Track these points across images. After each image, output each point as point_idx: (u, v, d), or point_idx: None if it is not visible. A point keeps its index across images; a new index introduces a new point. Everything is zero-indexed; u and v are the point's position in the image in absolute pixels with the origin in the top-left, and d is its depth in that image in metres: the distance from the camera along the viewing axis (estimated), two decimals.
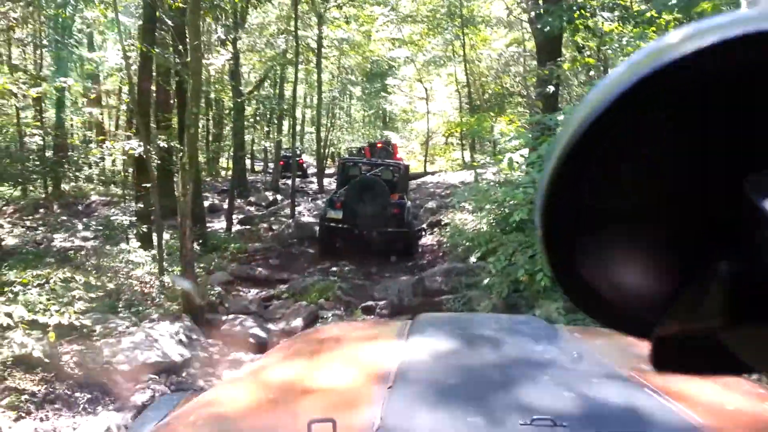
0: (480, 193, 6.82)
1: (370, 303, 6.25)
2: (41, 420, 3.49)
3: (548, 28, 6.74)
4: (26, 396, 3.62)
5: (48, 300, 3.86)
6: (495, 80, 23.16)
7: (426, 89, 24.63)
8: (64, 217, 11.62)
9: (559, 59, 7.74)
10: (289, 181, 22.14)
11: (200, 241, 9.07)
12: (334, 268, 9.23)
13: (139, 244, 7.95)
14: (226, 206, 16.07)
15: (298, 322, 6.08)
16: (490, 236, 6.34)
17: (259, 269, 8.64)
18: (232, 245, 9.95)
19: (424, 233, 11.50)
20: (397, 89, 27.71)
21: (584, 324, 2.73)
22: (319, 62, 17.83)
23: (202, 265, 7.99)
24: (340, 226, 9.35)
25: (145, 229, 7.86)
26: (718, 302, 0.24)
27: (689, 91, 0.22)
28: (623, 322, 0.29)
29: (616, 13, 6.82)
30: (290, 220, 12.52)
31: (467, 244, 7.08)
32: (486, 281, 5.33)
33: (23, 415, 3.47)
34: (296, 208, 14.68)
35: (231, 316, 6.10)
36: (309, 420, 0.90)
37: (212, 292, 6.73)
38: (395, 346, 1.38)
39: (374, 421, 0.96)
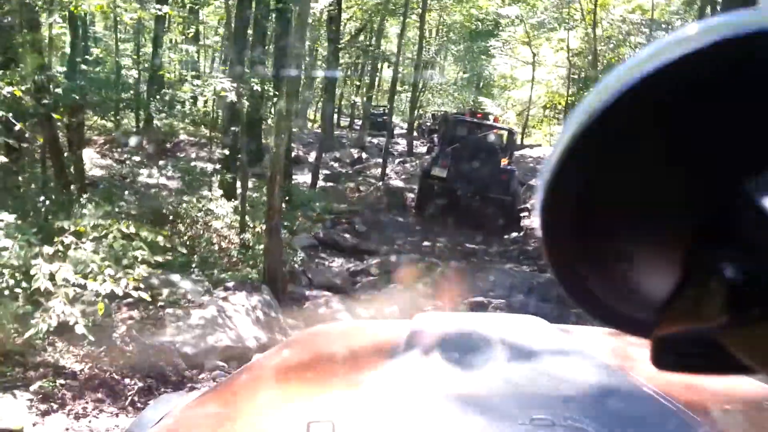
0: None
1: (479, 299, 5.12)
2: (76, 417, 2.68)
3: None
4: (64, 379, 2.82)
5: (103, 260, 3.04)
6: (613, 50, 20.66)
7: (534, 54, 22.43)
8: (135, 158, 11.21)
9: None
10: (375, 140, 21.31)
11: (286, 198, 8.26)
12: (427, 243, 8.18)
13: (221, 192, 7.20)
14: (311, 159, 15.37)
15: (392, 309, 5.06)
16: None
17: (345, 235, 7.70)
18: (317, 204, 9.09)
19: (528, 214, 10.14)
20: (500, 52, 25.59)
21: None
22: (423, 15, 16.34)
23: (285, 223, 7.13)
24: (442, 184, 8.79)
25: (229, 179, 7.08)
26: (719, 302, 0.23)
27: (699, 86, 0.22)
28: (623, 322, 0.29)
29: None
30: (379, 183, 11.51)
31: None
32: None
33: (54, 407, 2.67)
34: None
35: (315, 292, 5.18)
36: (308, 421, 0.89)
37: (295, 259, 5.84)
38: (395, 346, 1.32)
39: (373, 422, 0.95)
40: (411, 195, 10.97)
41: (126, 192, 7.89)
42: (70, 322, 2.73)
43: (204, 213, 6.47)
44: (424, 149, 18.17)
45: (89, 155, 12.76)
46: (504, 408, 1.00)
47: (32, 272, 2.72)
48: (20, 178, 5.85)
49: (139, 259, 3.13)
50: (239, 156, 6.58)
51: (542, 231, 0.26)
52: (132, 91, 13.60)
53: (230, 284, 4.37)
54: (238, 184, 7.75)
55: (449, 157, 8.89)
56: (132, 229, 3.19)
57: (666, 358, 0.28)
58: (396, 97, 30.54)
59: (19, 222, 3.23)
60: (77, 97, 7.49)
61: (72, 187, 8.05)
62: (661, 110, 0.22)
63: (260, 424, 1.07)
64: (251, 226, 6.41)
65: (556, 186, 0.24)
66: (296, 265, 5.77)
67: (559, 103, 24.28)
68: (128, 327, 3.40)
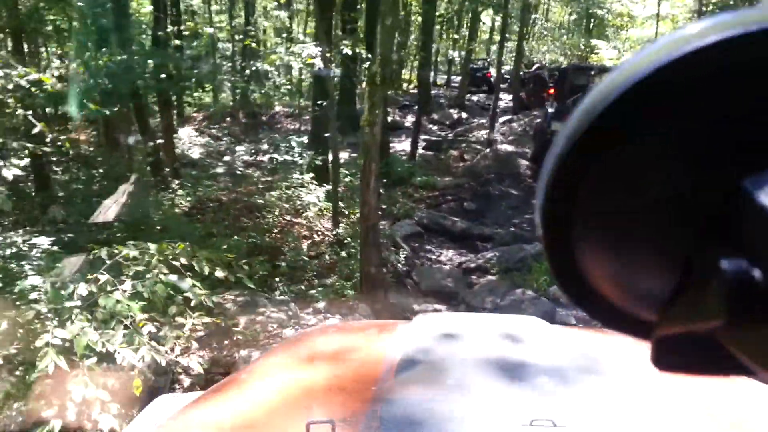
0: None
1: None
2: None
3: None
4: None
5: (142, 309, 2.26)
6: None
7: None
8: (230, 136, 10.77)
9: None
10: (474, 97, 19.56)
11: (383, 179, 7.33)
12: None
13: (312, 174, 6.42)
14: (407, 124, 14.30)
15: None
16: None
17: (453, 218, 6.64)
18: (419, 179, 8.07)
19: None
20: None
21: None
22: None
23: (383, 206, 6.21)
24: None
25: (319, 161, 6.27)
26: (719, 302, 0.23)
27: (699, 84, 0.22)
28: (623, 323, 0.29)
29: None
30: (487, 150, 10.22)
31: None
32: None
33: None
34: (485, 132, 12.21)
35: (423, 304, 4.23)
36: (307, 421, 0.89)
37: (398, 257, 4.91)
38: (394, 347, 1.33)
39: (373, 423, 0.95)
40: (523, 161, 9.61)
41: (216, 175, 7.41)
42: (93, 410, 2.00)
43: (293, 201, 5.72)
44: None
45: (187, 133, 12.65)
46: (504, 409, 0.98)
47: (37, 343, 2.00)
48: (100, 171, 5.42)
49: (192, 302, 2.34)
50: (327, 135, 5.70)
51: (542, 228, 0.26)
52: (229, 64, 13.23)
53: (320, 305, 3.55)
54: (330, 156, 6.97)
55: (569, 110, 7.66)
56: (182, 261, 2.36)
57: (666, 358, 0.28)
58: (492, 49, 28.19)
59: (54, 248, 2.56)
60: (165, 76, 6.99)
61: (167, 170, 7.71)
62: (662, 108, 0.22)
63: (260, 425, 1.05)
64: (346, 213, 5.57)
65: (557, 184, 0.24)
66: (399, 264, 4.85)
67: None
68: (192, 380, 2.66)
